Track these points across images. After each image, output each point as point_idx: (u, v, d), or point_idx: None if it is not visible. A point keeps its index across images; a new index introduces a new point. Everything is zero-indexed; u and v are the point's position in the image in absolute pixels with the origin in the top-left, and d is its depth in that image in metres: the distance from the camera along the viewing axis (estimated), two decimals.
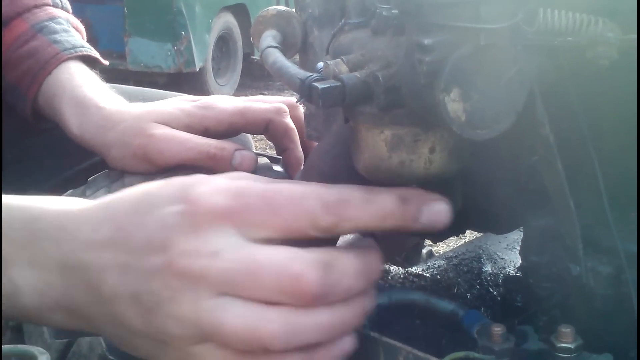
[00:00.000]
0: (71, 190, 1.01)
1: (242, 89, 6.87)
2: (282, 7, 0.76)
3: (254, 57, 6.82)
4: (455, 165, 0.55)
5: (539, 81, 0.49)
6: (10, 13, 0.97)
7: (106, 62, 1.07)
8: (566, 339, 0.49)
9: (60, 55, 0.96)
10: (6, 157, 1.00)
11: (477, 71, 0.47)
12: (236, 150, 0.87)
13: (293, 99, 0.87)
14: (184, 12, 5.43)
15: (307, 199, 0.49)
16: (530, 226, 0.55)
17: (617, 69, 0.46)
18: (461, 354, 0.51)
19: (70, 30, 1.02)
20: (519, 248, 0.63)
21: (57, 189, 1.19)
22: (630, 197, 0.49)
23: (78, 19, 1.07)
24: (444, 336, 0.62)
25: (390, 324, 0.62)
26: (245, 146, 1.03)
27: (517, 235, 0.80)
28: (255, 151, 1.01)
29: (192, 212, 0.49)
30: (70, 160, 1.14)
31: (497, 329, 0.51)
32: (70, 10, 1.08)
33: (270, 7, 0.76)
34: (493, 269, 0.77)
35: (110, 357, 0.63)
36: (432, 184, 0.55)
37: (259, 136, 1.05)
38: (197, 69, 5.72)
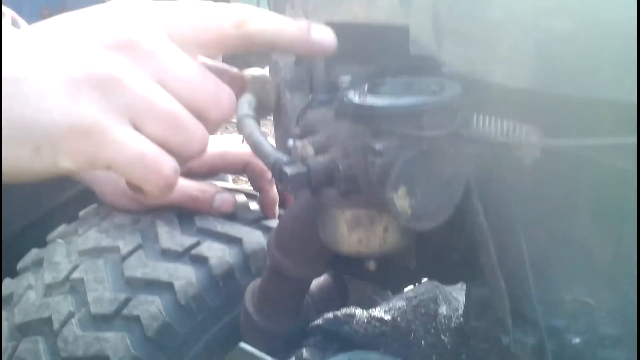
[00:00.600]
0: (64, 226, 1.08)
1: None
2: (257, 71, 0.82)
3: None
4: (407, 241, 0.62)
5: (474, 176, 0.56)
6: None
7: None
8: None
9: None
10: None
11: (420, 172, 0.54)
12: (217, 192, 0.94)
13: None
14: None
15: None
16: (471, 294, 0.63)
17: (540, 167, 0.54)
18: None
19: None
20: None
21: (46, 217, 1.26)
22: (550, 279, 0.57)
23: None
24: None
25: None
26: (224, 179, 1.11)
27: None
28: (233, 186, 1.08)
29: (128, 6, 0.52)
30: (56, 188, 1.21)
31: None
32: None
33: (246, 71, 0.83)
34: (448, 310, 0.84)
35: None
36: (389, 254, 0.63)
37: None
38: None
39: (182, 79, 0.50)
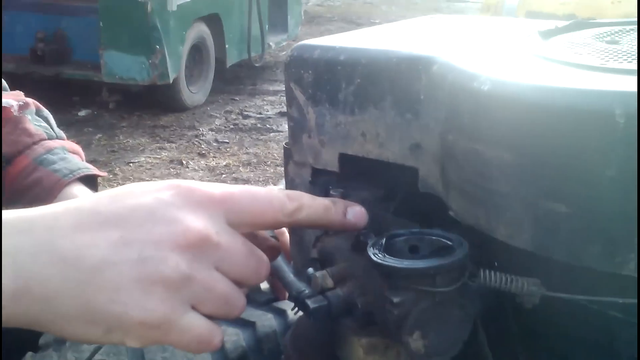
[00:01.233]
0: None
1: (213, 94, 6.96)
2: None
3: None
4: None
5: (481, 315, 0.64)
6: (14, 151, 1.09)
7: (105, 174, 1.19)
8: None
9: (62, 182, 1.08)
10: None
11: (433, 318, 0.61)
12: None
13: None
14: (159, 26, 5.52)
15: (276, 192, 0.63)
16: None
17: (541, 309, 0.62)
18: None
19: (67, 157, 1.14)
20: None
21: None
22: None
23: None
24: None
25: None
26: None
27: None
28: None
29: (189, 195, 0.57)
30: None
31: None
32: (65, 137, 1.20)
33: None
34: None
35: None
36: None
37: None
38: (171, 81, 5.82)
39: (236, 263, 0.57)
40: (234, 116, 6.52)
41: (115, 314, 0.53)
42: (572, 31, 0.79)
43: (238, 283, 0.58)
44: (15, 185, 1.10)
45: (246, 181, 5.05)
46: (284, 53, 8.98)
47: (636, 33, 0.76)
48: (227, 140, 5.89)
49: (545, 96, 0.56)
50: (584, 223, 0.56)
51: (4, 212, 0.53)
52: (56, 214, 0.54)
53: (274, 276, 0.76)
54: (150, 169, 5.29)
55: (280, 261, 0.76)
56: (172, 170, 5.28)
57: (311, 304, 0.67)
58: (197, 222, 0.55)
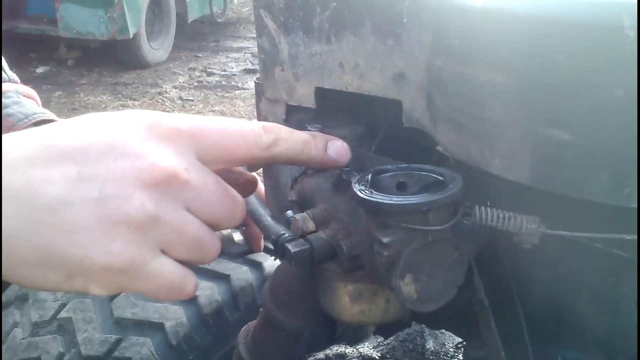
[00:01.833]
0: None
1: (176, 51, 6.79)
2: None
3: None
4: (407, 310, 0.65)
5: (475, 258, 0.60)
6: None
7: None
8: None
9: (16, 127, 1.01)
10: None
11: (425, 260, 0.57)
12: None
13: None
14: None
15: (251, 124, 0.57)
16: (468, 356, 0.66)
17: (539, 250, 0.57)
18: None
19: (21, 101, 1.07)
20: None
21: None
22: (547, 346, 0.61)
23: None
24: None
25: None
26: None
27: None
28: None
29: (154, 127, 0.51)
30: None
31: None
32: (18, 80, 1.13)
33: None
34: (434, 345, 0.88)
35: None
36: None
37: None
38: (131, 36, 5.64)
39: (208, 203, 0.51)
40: (197, 73, 6.37)
41: (76, 258, 0.47)
42: None
43: (211, 226, 0.53)
44: None
45: None
46: (247, 9, 8.80)
47: None
48: (191, 98, 5.76)
49: (545, 9, 0.50)
50: (589, 151, 0.51)
51: None
52: (8, 148, 0.48)
53: (250, 218, 0.70)
54: None
55: (256, 203, 0.70)
56: None
57: (292, 248, 0.62)
58: (163, 157, 0.50)
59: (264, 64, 0.75)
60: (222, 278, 0.98)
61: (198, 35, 7.46)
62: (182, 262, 0.51)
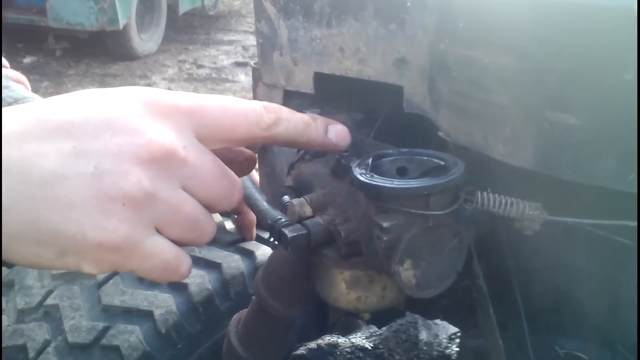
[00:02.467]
0: None
1: (166, 43, 6.76)
2: None
3: None
4: (403, 297, 0.64)
5: (475, 244, 0.59)
6: None
7: None
8: None
9: None
10: None
11: (425, 245, 0.56)
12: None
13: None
14: None
15: (252, 103, 0.55)
16: (465, 345, 0.65)
17: (540, 237, 0.57)
18: None
19: (11, 85, 1.05)
20: None
21: None
22: (545, 334, 0.60)
23: None
24: None
25: None
26: None
27: None
28: None
29: (153, 104, 0.50)
30: None
31: None
32: (8, 65, 1.11)
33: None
34: (428, 336, 0.87)
35: None
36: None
37: None
38: (121, 27, 5.60)
39: (205, 183, 0.50)
40: (187, 66, 6.34)
41: (69, 233, 0.46)
42: None
43: (207, 206, 0.51)
44: None
45: None
46: (238, 2, 8.77)
47: None
48: (181, 90, 5.74)
49: None
50: (596, 135, 0.50)
51: None
52: (2, 122, 0.46)
53: (246, 203, 0.69)
54: None
55: (252, 188, 0.69)
56: None
57: (289, 232, 0.61)
58: (161, 134, 0.48)
59: (262, 48, 0.74)
60: (213, 266, 0.96)
61: (189, 28, 7.43)
62: (177, 243, 0.50)
